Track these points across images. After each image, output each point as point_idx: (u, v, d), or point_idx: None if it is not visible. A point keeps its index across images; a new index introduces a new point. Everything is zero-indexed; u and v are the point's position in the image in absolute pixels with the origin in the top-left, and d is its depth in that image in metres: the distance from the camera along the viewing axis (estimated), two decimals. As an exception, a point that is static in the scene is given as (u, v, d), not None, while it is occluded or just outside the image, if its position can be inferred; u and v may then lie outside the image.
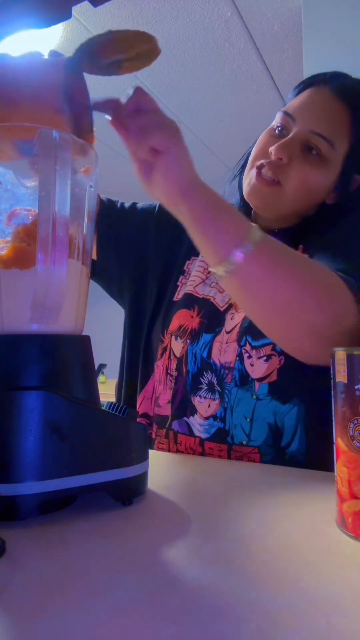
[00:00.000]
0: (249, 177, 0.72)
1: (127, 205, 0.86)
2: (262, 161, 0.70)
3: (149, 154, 0.51)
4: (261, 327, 0.58)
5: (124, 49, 0.49)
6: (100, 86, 0.48)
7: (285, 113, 0.71)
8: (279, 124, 0.72)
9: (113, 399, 0.81)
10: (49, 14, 0.45)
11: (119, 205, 0.85)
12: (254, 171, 0.71)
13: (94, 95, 0.49)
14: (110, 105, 0.52)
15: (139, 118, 0.51)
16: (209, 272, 0.79)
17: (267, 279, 0.52)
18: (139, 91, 0.52)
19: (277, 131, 0.72)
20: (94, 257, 0.82)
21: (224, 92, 2.50)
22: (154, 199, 0.56)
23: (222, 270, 0.52)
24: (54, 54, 0.47)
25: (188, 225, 0.54)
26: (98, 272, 0.83)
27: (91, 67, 0.48)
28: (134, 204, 0.87)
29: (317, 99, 0.70)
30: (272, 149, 0.69)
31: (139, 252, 0.84)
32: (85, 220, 0.49)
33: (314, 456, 0.63)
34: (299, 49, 1.92)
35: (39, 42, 2.08)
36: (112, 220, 0.83)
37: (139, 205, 0.87)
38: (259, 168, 0.70)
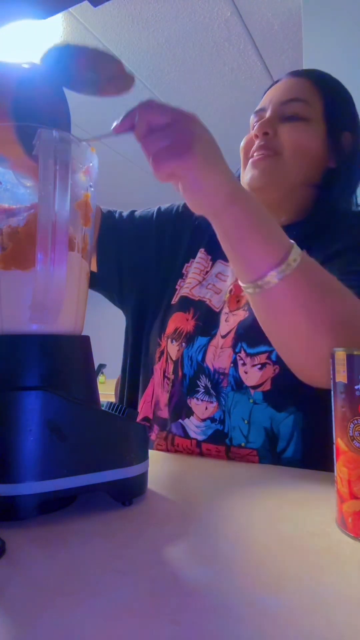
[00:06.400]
0: (247, 168, 0.74)
1: (125, 214, 0.85)
2: (251, 150, 0.73)
3: (172, 179, 0.48)
4: (276, 348, 0.57)
5: (94, 66, 0.48)
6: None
7: (256, 111, 0.77)
8: (254, 123, 0.76)
9: (113, 399, 0.81)
10: (47, 5, 0.45)
11: (117, 215, 0.84)
12: (249, 161, 0.73)
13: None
14: (128, 126, 0.47)
15: (148, 145, 0.46)
16: (206, 273, 0.78)
17: (296, 309, 0.50)
18: (141, 110, 0.46)
19: (253, 129, 0.76)
20: (94, 269, 0.81)
21: (224, 92, 2.50)
22: None
23: (252, 289, 0.50)
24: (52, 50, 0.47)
25: (221, 240, 0.51)
26: (99, 283, 0.83)
27: (69, 82, 0.48)
28: (132, 213, 0.86)
29: (278, 85, 0.77)
30: (254, 131, 0.72)
31: (139, 261, 0.83)
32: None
33: (310, 463, 0.62)
34: (299, 49, 1.92)
35: (39, 42, 2.07)
36: (111, 231, 0.82)
37: (137, 213, 0.86)
38: (251, 156, 0.73)
